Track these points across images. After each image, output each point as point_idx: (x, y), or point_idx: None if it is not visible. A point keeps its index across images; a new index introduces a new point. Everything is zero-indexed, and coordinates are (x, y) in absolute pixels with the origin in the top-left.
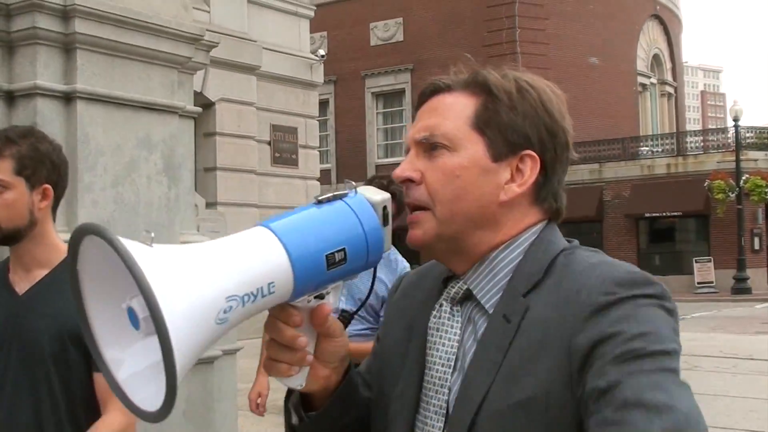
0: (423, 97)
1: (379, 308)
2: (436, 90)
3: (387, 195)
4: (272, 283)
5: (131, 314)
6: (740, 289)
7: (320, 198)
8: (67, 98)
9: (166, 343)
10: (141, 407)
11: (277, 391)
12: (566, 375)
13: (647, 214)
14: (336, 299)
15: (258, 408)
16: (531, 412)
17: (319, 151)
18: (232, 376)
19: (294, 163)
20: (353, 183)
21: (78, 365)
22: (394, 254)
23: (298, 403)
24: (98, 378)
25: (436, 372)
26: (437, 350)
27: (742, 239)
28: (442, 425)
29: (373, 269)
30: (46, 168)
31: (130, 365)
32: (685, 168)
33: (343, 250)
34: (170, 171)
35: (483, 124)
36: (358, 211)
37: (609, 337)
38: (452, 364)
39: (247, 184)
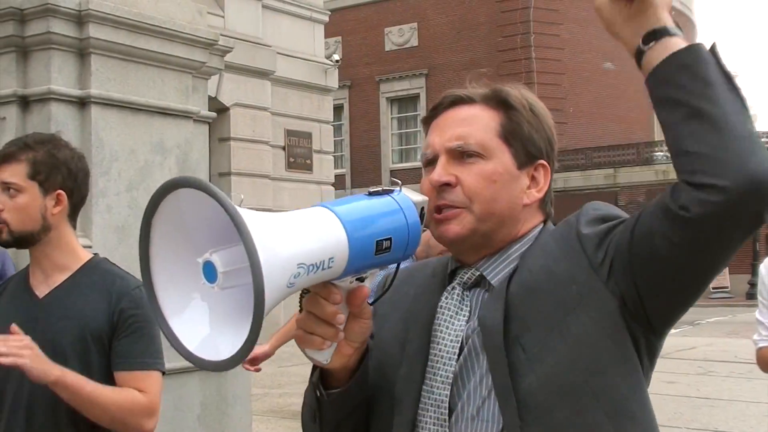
0: (441, 107)
1: None
2: (456, 101)
3: (425, 198)
4: (332, 258)
5: (209, 269)
6: (755, 294)
7: (371, 191)
8: (82, 103)
9: (260, 290)
10: (203, 357)
11: (292, 396)
12: (584, 260)
13: None
14: (372, 284)
15: (251, 364)
16: (567, 306)
17: (334, 156)
18: (246, 381)
19: (308, 168)
20: (399, 182)
21: (99, 366)
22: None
23: (318, 380)
24: (118, 376)
25: (444, 347)
26: (447, 327)
27: (757, 244)
28: (448, 393)
29: (396, 265)
30: (62, 174)
31: (191, 319)
32: None
33: (390, 239)
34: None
35: (509, 135)
36: (403, 207)
37: (619, 223)
38: (460, 339)
39: (261, 188)
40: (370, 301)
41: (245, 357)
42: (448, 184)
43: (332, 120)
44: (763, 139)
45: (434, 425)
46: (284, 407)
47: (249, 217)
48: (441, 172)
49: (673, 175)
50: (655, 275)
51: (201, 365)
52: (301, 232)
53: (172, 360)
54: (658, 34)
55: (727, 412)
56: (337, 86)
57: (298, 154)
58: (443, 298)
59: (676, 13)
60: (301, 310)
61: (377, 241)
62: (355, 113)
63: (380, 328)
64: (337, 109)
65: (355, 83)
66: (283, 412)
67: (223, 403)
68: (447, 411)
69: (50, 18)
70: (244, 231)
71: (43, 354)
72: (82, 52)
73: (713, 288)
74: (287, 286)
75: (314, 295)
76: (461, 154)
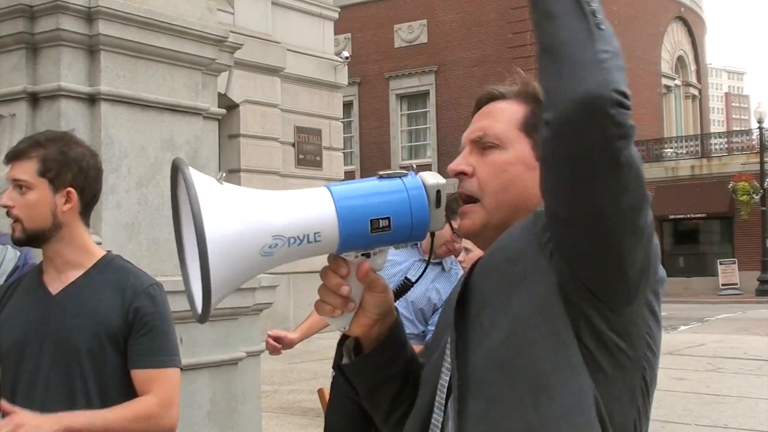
0: (480, 103)
1: (429, 315)
2: (491, 98)
3: (442, 180)
4: (318, 233)
5: None
6: (765, 290)
7: (383, 174)
8: (92, 100)
9: (204, 258)
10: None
11: (302, 392)
12: (533, 238)
13: (671, 216)
14: (383, 261)
15: (274, 347)
16: (513, 283)
17: (343, 153)
18: (255, 377)
19: (318, 164)
20: (414, 166)
21: (114, 363)
22: (456, 267)
23: (351, 347)
24: (135, 374)
25: None
26: None
27: (767, 241)
28: (449, 378)
29: (424, 266)
30: (72, 172)
31: (195, 277)
32: (709, 170)
33: (388, 218)
34: None
35: (531, 127)
36: (409, 188)
37: None
38: None
39: (271, 185)
40: (413, 279)
41: (206, 316)
42: (464, 173)
43: (342, 117)
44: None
45: (438, 408)
46: (294, 404)
47: (213, 192)
48: (459, 161)
49: (682, 172)
50: (560, 237)
51: (194, 315)
52: (281, 206)
53: (181, 357)
54: None
55: (737, 409)
56: (347, 83)
57: (307, 151)
58: None
59: (686, 9)
60: None
61: (372, 220)
62: (364, 110)
63: (442, 311)
64: (347, 106)
65: (364, 80)
66: (293, 408)
67: (233, 399)
68: (445, 394)
69: (60, 15)
70: (193, 202)
71: (36, 415)
72: (91, 48)
73: (723, 285)
74: (261, 254)
75: (326, 267)
76: (482, 145)
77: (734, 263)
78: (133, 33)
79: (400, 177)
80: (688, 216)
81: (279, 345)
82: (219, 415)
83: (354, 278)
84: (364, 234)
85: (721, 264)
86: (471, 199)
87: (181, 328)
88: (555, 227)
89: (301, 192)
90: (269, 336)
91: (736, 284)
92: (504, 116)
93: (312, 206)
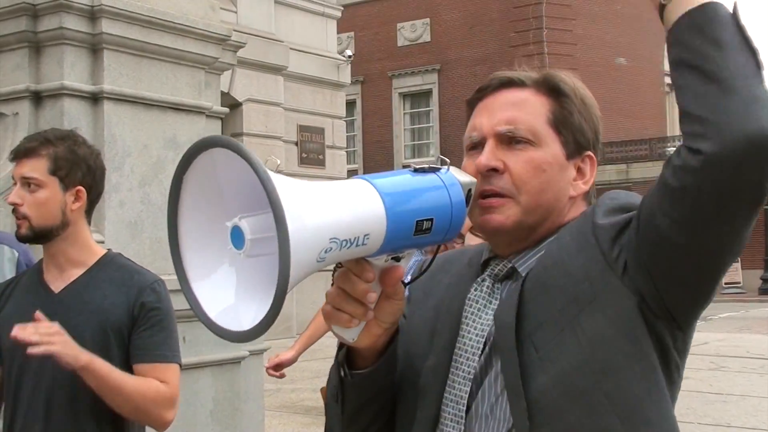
0: (489, 89)
1: None
2: (504, 84)
3: (473, 179)
4: (368, 235)
5: (237, 234)
6: (767, 289)
7: (417, 167)
8: (94, 98)
9: (286, 260)
10: (218, 323)
11: (304, 391)
12: (599, 255)
13: None
14: (408, 264)
15: (275, 370)
16: (580, 304)
17: (346, 152)
18: (258, 376)
19: (321, 163)
20: (447, 159)
21: (119, 360)
22: None
23: (344, 359)
24: (138, 368)
25: (469, 341)
26: (473, 320)
27: None
28: (468, 389)
29: (436, 249)
30: (81, 171)
31: (213, 286)
32: None
33: (431, 220)
34: None
35: (560, 124)
36: (449, 187)
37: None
38: (485, 334)
39: None
40: (405, 281)
41: (264, 330)
42: (495, 170)
43: (345, 115)
44: None
45: (451, 422)
46: (297, 402)
47: (282, 184)
48: (489, 156)
49: None
50: (665, 261)
51: (220, 333)
52: (338, 205)
53: (184, 355)
54: None
55: (740, 408)
56: (350, 82)
57: (310, 150)
58: (472, 290)
59: None
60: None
61: (417, 221)
62: (367, 109)
63: (412, 314)
64: (350, 105)
65: (367, 79)
66: (296, 407)
67: (236, 398)
68: (464, 408)
69: (63, 13)
70: (273, 197)
71: (72, 339)
72: (94, 47)
73: (725, 283)
74: (317, 260)
75: (346, 271)
76: (510, 140)
77: (737, 262)
78: (136, 32)
79: (434, 172)
80: None
81: (280, 371)
82: (222, 414)
83: (376, 283)
84: (408, 236)
85: None
86: (498, 195)
87: (184, 327)
88: (661, 252)
89: (345, 187)
90: (268, 369)
91: (738, 283)
92: (531, 109)
93: (363, 205)
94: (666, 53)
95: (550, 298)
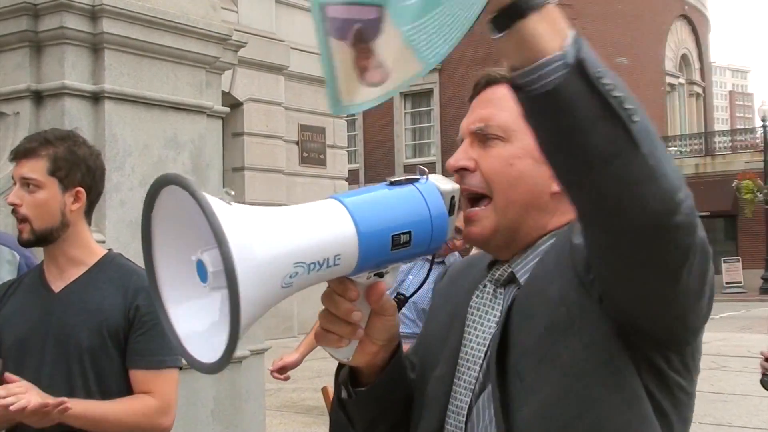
0: (478, 87)
1: None
2: (490, 81)
3: (456, 186)
4: (339, 255)
5: (200, 268)
6: None
7: (393, 180)
8: (95, 98)
9: (235, 296)
10: (197, 358)
11: (305, 391)
12: (574, 277)
13: None
14: (393, 279)
15: (279, 373)
16: (559, 332)
17: (347, 151)
18: (259, 376)
19: (322, 162)
20: (426, 170)
21: (116, 361)
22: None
23: (346, 378)
24: (134, 374)
25: (471, 350)
26: (475, 329)
27: None
28: (468, 400)
29: (429, 266)
30: (81, 171)
31: (191, 318)
32: (713, 168)
33: (409, 233)
34: (198, 171)
35: None
36: (427, 198)
37: None
38: (486, 342)
39: (274, 183)
40: (407, 294)
41: (224, 364)
42: (465, 169)
43: (346, 115)
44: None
45: None
46: (297, 402)
47: (231, 217)
48: (458, 156)
49: (686, 171)
50: (621, 296)
51: (192, 364)
52: (300, 229)
53: None
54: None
55: (741, 407)
56: None
57: (311, 149)
58: (474, 297)
59: (690, 7)
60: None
61: (393, 236)
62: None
63: (431, 318)
64: None
65: None
66: (297, 407)
67: (237, 398)
68: (465, 418)
69: (64, 13)
70: (218, 232)
71: (42, 392)
72: (95, 47)
73: (727, 283)
74: (282, 286)
75: (330, 291)
76: (483, 137)
77: (738, 261)
78: (137, 31)
79: (411, 183)
80: None
81: (284, 374)
82: (223, 414)
83: (363, 301)
84: (385, 252)
85: (724, 262)
86: (477, 198)
87: None
88: (610, 286)
89: (310, 208)
90: (272, 372)
91: (739, 282)
92: (507, 104)
93: (330, 225)
94: (667, 53)
95: (531, 326)
